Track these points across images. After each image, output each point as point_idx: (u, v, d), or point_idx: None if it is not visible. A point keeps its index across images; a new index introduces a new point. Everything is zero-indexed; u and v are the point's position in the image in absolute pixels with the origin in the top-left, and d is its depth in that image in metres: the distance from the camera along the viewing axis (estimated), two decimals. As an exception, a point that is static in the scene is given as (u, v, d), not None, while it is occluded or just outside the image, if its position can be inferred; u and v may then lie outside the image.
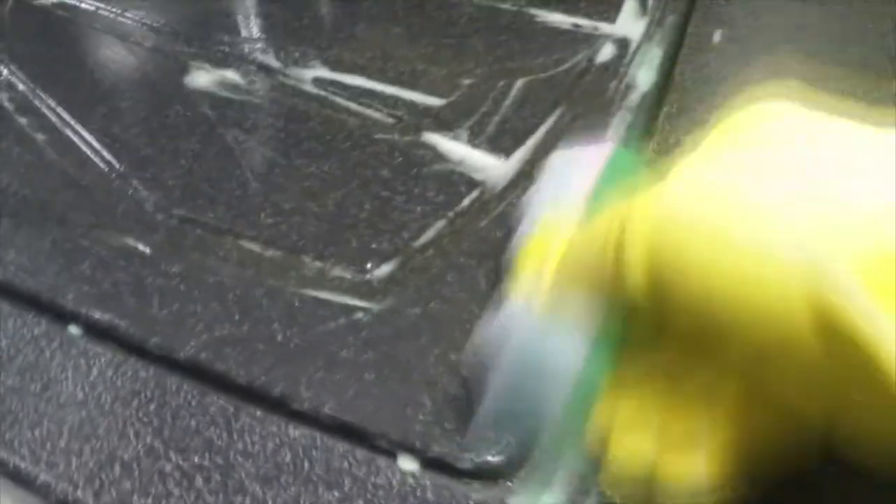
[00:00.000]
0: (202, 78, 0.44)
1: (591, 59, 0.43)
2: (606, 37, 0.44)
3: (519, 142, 0.39)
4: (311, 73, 0.43)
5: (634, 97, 0.41)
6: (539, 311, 0.26)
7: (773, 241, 0.21)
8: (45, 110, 0.43)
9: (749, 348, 0.22)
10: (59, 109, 0.43)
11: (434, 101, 0.41)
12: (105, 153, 0.41)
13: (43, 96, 0.44)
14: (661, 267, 0.22)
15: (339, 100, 0.42)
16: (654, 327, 0.24)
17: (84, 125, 0.42)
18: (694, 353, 0.24)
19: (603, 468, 0.27)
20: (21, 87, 0.45)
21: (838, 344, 0.20)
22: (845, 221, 0.20)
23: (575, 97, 0.41)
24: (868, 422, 0.21)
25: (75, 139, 0.41)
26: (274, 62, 0.44)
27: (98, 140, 0.41)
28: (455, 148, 0.39)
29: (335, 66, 0.44)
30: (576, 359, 0.25)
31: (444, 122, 0.40)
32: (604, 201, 0.26)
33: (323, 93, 0.42)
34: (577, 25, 0.45)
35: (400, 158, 0.39)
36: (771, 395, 0.23)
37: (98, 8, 0.49)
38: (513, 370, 0.27)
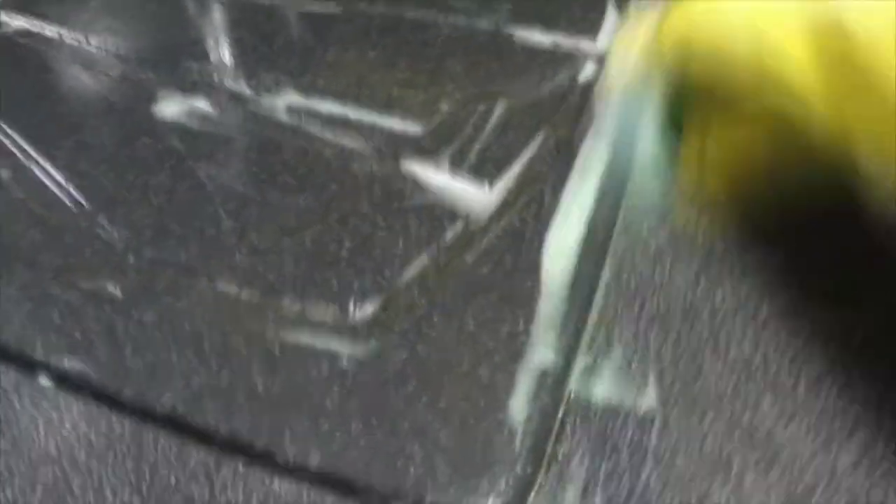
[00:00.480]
0: (171, 108, 0.42)
1: (573, 79, 0.42)
2: (588, 55, 0.43)
3: (502, 169, 0.38)
4: (284, 101, 0.42)
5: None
6: (629, 89, 0.33)
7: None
8: (9, 145, 0.41)
9: (772, 92, 0.26)
10: (24, 143, 0.41)
11: (412, 129, 0.40)
12: (72, 191, 0.39)
13: (6, 129, 0.42)
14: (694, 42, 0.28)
15: (313, 129, 0.41)
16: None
17: (50, 160, 0.40)
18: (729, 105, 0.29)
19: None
20: (-18, 120, 0.43)
21: (837, 62, 0.23)
22: None
23: (557, 121, 0.40)
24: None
25: (41, 176, 0.40)
26: (245, 90, 0.43)
27: (65, 177, 0.40)
28: (436, 178, 0.38)
29: (308, 92, 0.42)
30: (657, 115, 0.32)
31: (423, 150, 0.39)
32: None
33: (296, 122, 0.41)
34: (557, 44, 0.44)
35: (379, 191, 0.38)
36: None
37: (61, 34, 0.47)
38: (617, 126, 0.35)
